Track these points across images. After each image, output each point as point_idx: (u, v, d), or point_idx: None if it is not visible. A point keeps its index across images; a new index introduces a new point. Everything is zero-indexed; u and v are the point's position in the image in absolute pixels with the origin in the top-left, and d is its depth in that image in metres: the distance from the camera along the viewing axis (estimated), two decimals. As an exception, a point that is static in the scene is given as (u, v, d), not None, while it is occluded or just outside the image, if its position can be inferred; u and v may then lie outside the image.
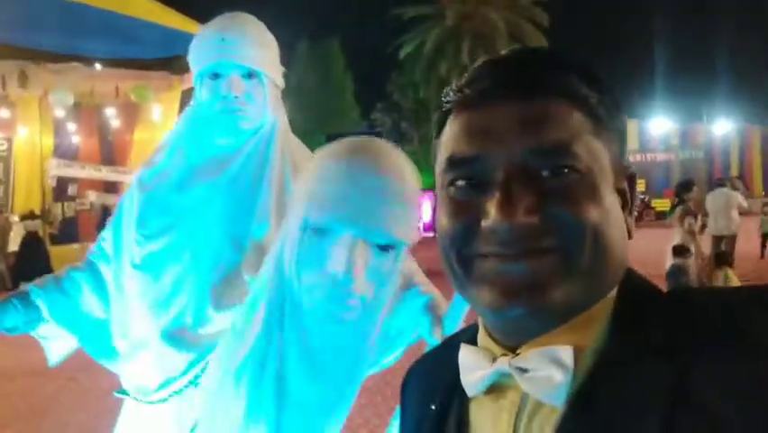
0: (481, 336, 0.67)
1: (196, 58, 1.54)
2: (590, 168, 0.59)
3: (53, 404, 4.96)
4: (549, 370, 0.57)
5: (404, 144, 32.31)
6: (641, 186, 26.01)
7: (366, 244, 1.01)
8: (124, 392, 1.59)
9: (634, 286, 0.62)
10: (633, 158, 26.86)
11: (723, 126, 27.56)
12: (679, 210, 7.62)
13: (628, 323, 0.58)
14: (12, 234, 12.70)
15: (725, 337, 0.53)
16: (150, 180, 1.57)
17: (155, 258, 1.50)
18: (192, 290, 1.47)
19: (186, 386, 1.46)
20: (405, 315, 1.29)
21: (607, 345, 0.58)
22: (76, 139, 15.57)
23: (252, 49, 1.52)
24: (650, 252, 7.49)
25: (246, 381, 1.08)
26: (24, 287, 1.56)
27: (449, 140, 0.64)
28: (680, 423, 0.50)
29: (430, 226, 25.12)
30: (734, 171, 26.35)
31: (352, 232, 1.00)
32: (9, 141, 14.85)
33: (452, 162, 0.63)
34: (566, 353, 0.57)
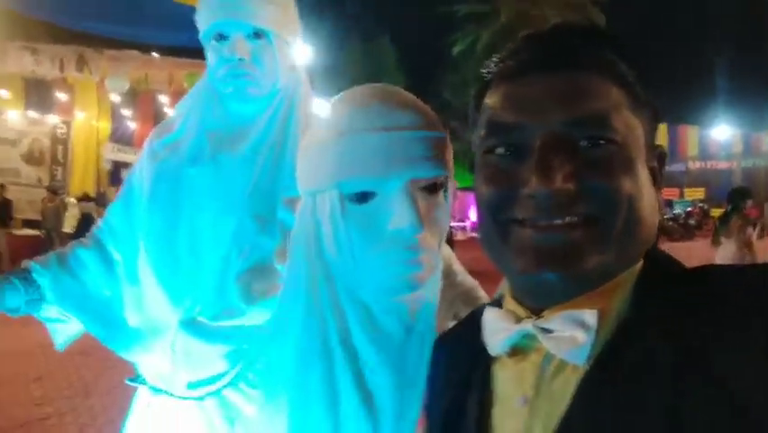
0: (507, 300, 0.70)
1: (200, 18, 1.39)
2: (626, 141, 0.61)
3: (96, 384, 5.02)
4: (573, 331, 0.59)
5: (454, 142, 31.90)
6: (700, 194, 25.19)
7: (416, 188, 0.87)
8: (141, 381, 1.45)
9: (658, 259, 0.65)
10: (693, 165, 25.97)
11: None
12: (736, 219, 7.06)
13: (650, 293, 0.61)
14: (67, 215, 13.06)
15: (740, 310, 0.55)
16: (162, 150, 1.43)
17: (168, 236, 1.35)
18: (213, 276, 1.31)
19: (225, 387, 1.31)
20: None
21: (628, 312, 0.60)
22: (131, 124, 15.95)
23: (258, 5, 1.35)
24: (709, 262, 7.12)
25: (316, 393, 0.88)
26: (26, 264, 1.42)
27: (489, 109, 0.66)
28: (691, 391, 0.52)
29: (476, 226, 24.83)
30: (799, 183, 25.15)
31: (401, 179, 0.85)
32: (67, 124, 15.32)
33: (492, 130, 0.64)
34: (590, 315, 0.59)
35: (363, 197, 0.87)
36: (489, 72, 0.68)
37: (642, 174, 0.62)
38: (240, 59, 1.33)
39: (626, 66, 0.63)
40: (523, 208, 0.61)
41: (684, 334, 0.55)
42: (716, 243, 7.22)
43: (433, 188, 0.89)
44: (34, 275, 1.39)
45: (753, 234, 6.94)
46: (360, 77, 29.04)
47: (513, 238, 0.63)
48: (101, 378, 5.11)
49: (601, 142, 0.60)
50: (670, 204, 24.00)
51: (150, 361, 1.42)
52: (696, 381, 0.53)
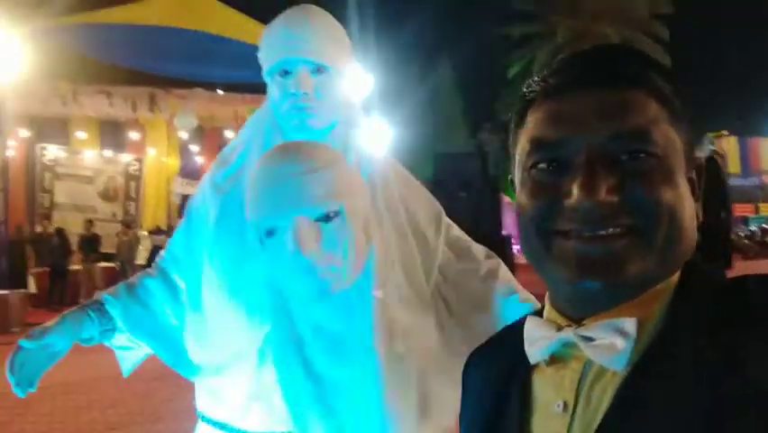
0: (547, 310, 0.72)
1: (264, 55, 1.44)
2: (666, 154, 0.63)
3: (167, 409, 5.19)
4: (613, 338, 0.61)
5: (510, 165, 31.57)
6: (774, 210, 23.82)
7: (308, 221, 1.14)
8: (201, 417, 1.49)
9: (695, 269, 0.66)
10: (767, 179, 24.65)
11: None
12: None
13: (688, 302, 0.62)
14: (140, 247, 13.65)
15: None
16: (225, 182, 1.49)
17: (239, 262, 1.41)
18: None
19: None
20: (510, 318, 1.30)
21: (667, 321, 0.62)
22: (199, 159, 16.57)
23: (320, 42, 1.41)
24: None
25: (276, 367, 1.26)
26: (98, 296, 1.52)
27: (533, 126, 0.68)
28: (728, 396, 0.53)
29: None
30: None
31: (288, 218, 1.13)
32: (140, 161, 16.10)
33: (537, 146, 0.66)
34: (630, 323, 0.61)
35: (270, 232, 1.16)
36: (530, 91, 0.70)
37: (682, 186, 0.64)
38: (304, 93, 1.39)
39: (663, 81, 0.65)
40: (567, 220, 0.63)
41: (722, 342, 0.56)
42: None
43: (326, 218, 1.16)
44: (107, 306, 1.48)
45: None
46: (419, 100, 29.28)
47: (556, 249, 0.65)
48: (171, 403, 5.29)
49: (642, 155, 0.62)
50: (745, 221, 22.82)
51: (221, 388, 1.45)
52: (734, 388, 0.54)
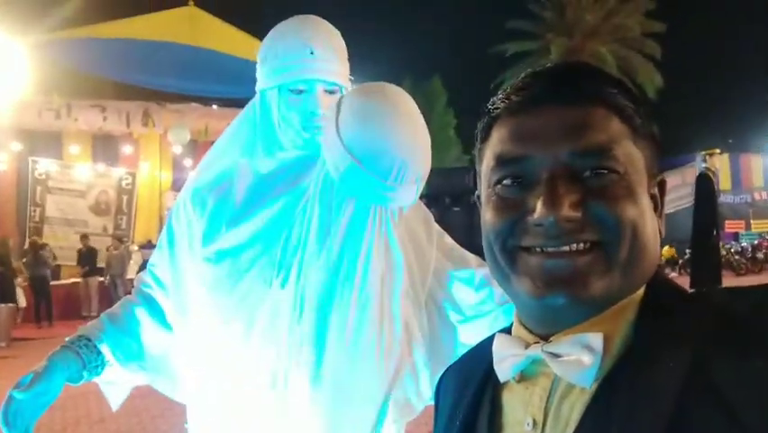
0: (515, 327, 0.72)
1: (278, 68, 1.39)
2: (628, 170, 0.64)
3: (155, 425, 5.13)
4: (580, 354, 0.61)
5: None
6: (767, 226, 24.00)
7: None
8: None
9: (661, 283, 0.67)
10: (758, 196, 24.80)
11: None
12: None
13: (654, 315, 0.63)
14: (132, 262, 13.57)
15: (741, 330, 0.57)
16: (209, 196, 1.43)
17: (233, 277, 1.36)
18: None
19: None
20: (502, 325, 1.30)
21: (634, 334, 0.63)
22: (192, 174, 16.52)
23: (339, 63, 1.42)
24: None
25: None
26: (84, 331, 1.42)
27: (497, 142, 0.69)
28: (694, 407, 0.54)
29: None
30: None
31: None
32: (133, 175, 16.06)
33: (501, 162, 0.67)
34: (596, 338, 0.61)
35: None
36: (495, 108, 0.71)
37: (644, 202, 0.65)
38: (323, 113, 1.38)
39: (625, 98, 0.66)
40: (530, 236, 0.64)
41: (687, 354, 0.57)
42: None
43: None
44: (96, 342, 1.41)
45: None
46: (411, 119, 29.28)
47: (520, 265, 0.66)
48: (160, 420, 5.22)
49: (604, 172, 0.63)
50: (736, 237, 22.92)
51: (220, 420, 1.39)
52: (700, 401, 0.54)
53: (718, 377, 0.55)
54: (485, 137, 0.72)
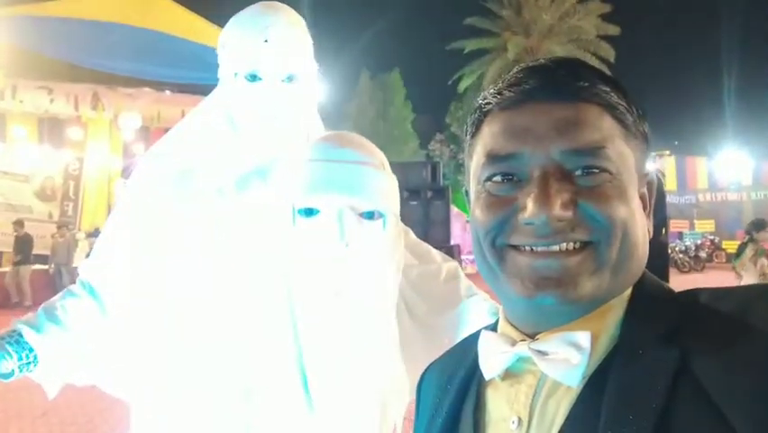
0: (502, 325, 0.71)
1: (232, 55, 1.38)
2: (620, 170, 0.63)
3: (102, 418, 4.98)
4: (567, 352, 0.61)
5: (461, 175, 32.19)
6: (710, 226, 24.98)
7: (354, 211, 1.12)
8: None
9: (648, 282, 0.67)
10: (702, 197, 25.76)
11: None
12: (749, 249, 7.03)
13: (641, 314, 0.63)
14: (78, 250, 13.14)
15: (725, 327, 0.57)
16: (182, 186, 1.38)
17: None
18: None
19: None
20: (473, 318, 1.38)
21: (620, 333, 0.63)
22: (146, 162, 16.09)
23: (297, 53, 1.38)
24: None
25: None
26: (15, 325, 1.35)
27: (488, 138, 0.67)
28: (680, 406, 0.54)
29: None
30: (810, 215, 24.90)
31: (336, 204, 1.11)
32: (80, 160, 15.53)
33: (491, 159, 0.66)
34: (584, 337, 0.61)
35: (309, 212, 1.13)
36: (486, 103, 0.69)
37: (634, 202, 0.64)
38: (279, 106, 1.36)
39: (617, 97, 0.65)
40: (520, 234, 0.63)
41: (673, 353, 0.57)
42: (737, 276, 7.21)
43: (371, 216, 1.14)
44: (26, 338, 1.33)
45: (766, 263, 6.86)
46: (368, 110, 29.38)
47: (509, 263, 0.65)
48: (105, 413, 5.09)
49: (596, 171, 0.62)
50: (680, 236, 23.76)
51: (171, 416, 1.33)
52: (686, 399, 0.54)
53: (705, 376, 0.55)
54: (475, 132, 0.71)
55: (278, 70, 1.36)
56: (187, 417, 1.31)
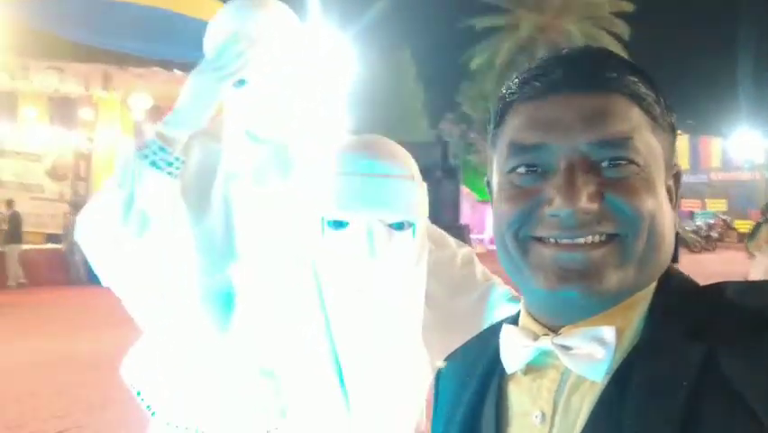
0: (523, 318, 0.71)
1: (214, 60, 1.33)
2: (647, 162, 0.62)
3: (111, 396, 5.04)
4: (591, 347, 0.61)
5: (471, 155, 32.18)
6: (722, 206, 24.77)
7: (384, 223, 1.11)
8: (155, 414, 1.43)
9: (672, 276, 0.66)
10: (715, 176, 25.54)
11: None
12: (765, 230, 6.91)
13: (666, 309, 0.62)
14: (90, 229, 13.22)
15: (752, 322, 0.56)
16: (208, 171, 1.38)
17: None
18: None
19: None
20: (490, 303, 1.38)
21: (645, 328, 0.62)
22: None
23: (279, 48, 1.34)
24: (733, 276, 6.94)
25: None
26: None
27: (513, 128, 0.66)
28: (706, 401, 0.53)
29: (495, 240, 24.59)
30: (826, 195, 24.53)
31: (366, 218, 1.09)
32: (91, 140, 15.58)
33: (516, 149, 0.65)
34: (609, 331, 0.61)
35: (338, 225, 1.12)
36: (510, 93, 0.68)
37: (661, 194, 0.64)
38: (268, 104, 1.35)
39: (645, 88, 0.64)
40: (545, 227, 0.62)
41: (700, 349, 0.56)
42: (750, 256, 7.13)
43: (401, 226, 1.12)
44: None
45: None
46: (380, 89, 29.23)
47: (533, 256, 0.64)
48: (113, 390, 5.14)
49: (623, 162, 0.61)
50: (692, 215, 23.58)
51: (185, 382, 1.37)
52: (713, 395, 0.54)
53: (731, 371, 0.54)
54: (499, 123, 0.70)
55: (262, 69, 1.33)
56: (209, 392, 1.34)
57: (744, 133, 25.98)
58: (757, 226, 7.24)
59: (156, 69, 14.37)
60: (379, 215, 1.11)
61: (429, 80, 31.08)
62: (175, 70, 14.68)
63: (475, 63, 27.33)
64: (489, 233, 24.47)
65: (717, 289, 0.63)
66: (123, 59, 13.89)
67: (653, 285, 0.65)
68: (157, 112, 15.11)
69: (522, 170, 0.65)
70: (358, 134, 1.25)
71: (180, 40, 12.10)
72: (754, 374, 0.53)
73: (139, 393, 1.44)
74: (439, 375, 0.84)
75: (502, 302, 1.41)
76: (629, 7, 26.03)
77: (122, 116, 15.43)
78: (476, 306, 1.39)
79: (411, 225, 1.15)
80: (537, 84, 0.65)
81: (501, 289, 1.43)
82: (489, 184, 0.73)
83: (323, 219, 1.14)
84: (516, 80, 0.68)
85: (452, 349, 1.33)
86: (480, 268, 1.48)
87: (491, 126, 0.72)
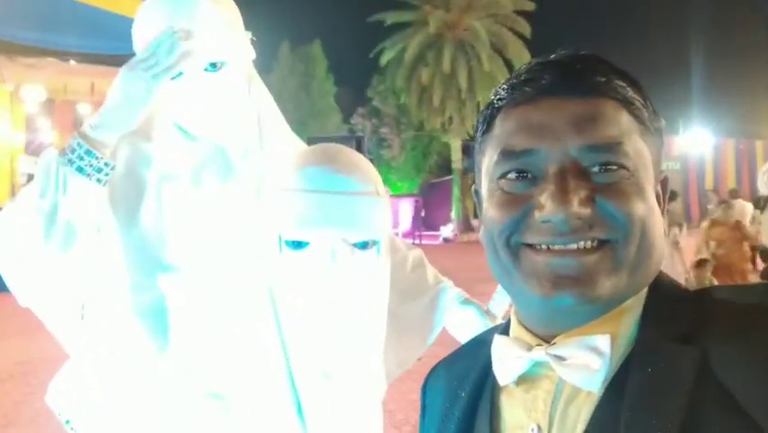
0: (515, 328, 0.70)
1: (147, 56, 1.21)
2: (637, 166, 0.62)
3: (17, 412, 4.71)
4: (587, 357, 0.60)
5: (383, 150, 32.40)
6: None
7: (347, 242, 1.05)
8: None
9: (663, 282, 0.66)
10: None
11: (699, 138, 27.95)
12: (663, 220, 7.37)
13: (658, 314, 0.62)
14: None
15: (743, 325, 0.57)
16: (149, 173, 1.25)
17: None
18: None
19: None
20: (442, 305, 1.38)
21: (639, 335, 0.61)
22: (49, 135, 15.22)
23: (219, 35, 1.24)
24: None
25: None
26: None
27: (502, 134, 0.66)
28: (704, 407, 0.54)
29: (409, 233, 25.07)
30: (708, 184, 26.67)
31: (329, 238, 1.04)
32: (-22, 135, 14.47)
33: (505, 155, 0.64)
34: (603, 340, 0.60)
35: (298, 245, 1.06)
36: (498, 98, 0.68)
37: (652, 199, 0.64)
38: (208, 96, 1.24)
39: (634, 92, 0.65)
40: (537, 233, 0.62)
41: (694, 354, 0.57)
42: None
43: (364, 245, 1.07)
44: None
45: (678, 234, 7.20)
46: (290, 82, 28.86)
47: (525, 263, 0.63)
48: (23, 405, 4.85)
49: (614, 167, 0.61)
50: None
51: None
52: (709, 400, 0.54)
53: (726, 374, 0.54)
54: (487, 129, 0.69)
55: (198, 60, 1.23)
56: (151, 418, 1.23)
57: (696, 131, 27.54)
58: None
59: (49, 59, 13.52)
60: (343, 234, 1.05)
61: (341, 74, 31.07)
62: (71, 61, 13.89)
63: (385, 58, 27.52)
64: (402, 227, 24.80)
65: (707, 293, 0.63)
66: (11, 49, 12.97)
67: (645, 291, 0.65)
68: (51, 104, 14.24)
69: (512, 175, 0.64)
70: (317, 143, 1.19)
71: (79, 30, 11.47)
72: (749, 378, 0.53)
73: (68, 422, 1.31)
74: (426, 386, 0.82)
75: (454, 305, 1.40)
76: (530, 6, 27.02)
77: (12, 110, 14.43)
78: (427, 310, 1.38)
79: (375, 243, 1.10)
80: (527, 89, 0.65)
81: (452, 292, 1.42)
82: (477, 193, 0.72)
83: (280, 237, 1.07)
84: (506, 85, 0.68)
85: (405, 357, 1.33)
86: (431, 270, 1.46)
87: (479, 132, 0.71)
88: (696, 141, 27.44)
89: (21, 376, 1.25)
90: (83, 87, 13.77)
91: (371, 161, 1.22)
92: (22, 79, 13.40)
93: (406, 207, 26.14)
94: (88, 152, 1.15)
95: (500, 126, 0.67)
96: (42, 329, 1.32)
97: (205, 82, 1.23)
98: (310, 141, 1.31)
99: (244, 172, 1.31)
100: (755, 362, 0.54)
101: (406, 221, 25.82)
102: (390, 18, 27.41)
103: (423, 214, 25.58)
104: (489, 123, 0.69)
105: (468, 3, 27.02)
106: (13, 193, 14.64)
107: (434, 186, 30.39)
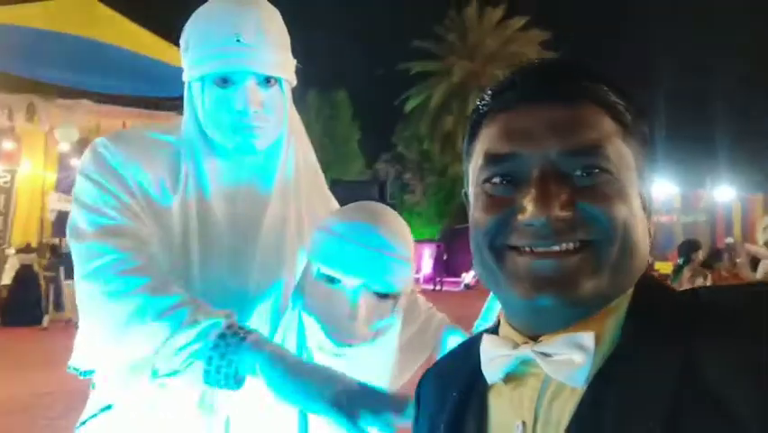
0: (503, 327, 0.71)
1: (199, 55, 1.20)
2: (619, 169, 0.63)
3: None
4: (571, 353, 0.61)
5: (406, 195, 32.61)
6: (643, 248, 25.88)
7: (368, 292, 1.14)
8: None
9: (648, 283, 0.67)
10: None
11: (725, 193, 27.62)
12: (687, 270, 7.32)
13: (643, 314, 0.63)
14: (6, 266, 12.52)
15: (727, 325, 0.58)
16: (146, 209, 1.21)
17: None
18: None
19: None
20: (431, 333, 1.42)
21: (623, 335, 0.62)
22: (79, 174, 15.54)
23: (274, 51, 1.21)
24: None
25: None
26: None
27: (486, 139, 0.68)
28: (687, 405, 0.54)
29: (430, 278, 24.93)
30: (737, 238, 26.16)
31: (357, 281, 1.13)
32: (12, 173, 14.86)
33: (490, 160, 0.66)
34: (587, 337, 0.61)
35: (331, 280, 1.15)
36: (483, 105, 0.70)
37: (635, 202, 0.65)
38: (254, 111, 1.19)
39: (615, 96, 0.66)
40: (520, 236, 0.63)
41: (678, 352, 0.57)
42: None
43: (385, 296, 1.16)
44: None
45: (702, 283, 7.12)
46: (316, 128, 29.32)
47: (509, 265, 0.65)
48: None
49: (595, 171, 0.62)
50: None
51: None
52: (691, 397, 0.55)
53: (711, 374, 0.55)
54: (473, 135, 0.71)
55: (253, 73, 1.19)
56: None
57: (662, 177, 27.44)
58: (678, 268, 7.61)
59: (83, 101, 13.95)
60: (370, 284, 1.13)
61: (365, 121, 31.52)
62: (105, 103, 14.30)
63: (410, 106, 27.95)
64: (423, 272, 24.65)
65: (692, 294, 0.64)
66: (48, 90, 13.44)
67: (630, 292, 0.65)
68: (85, 144, 14.61)
69: (496, 180, 0.66)
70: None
71: (113, 72, 11.85)
72: (733, 377, 0.54)
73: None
74: (419, 389, 0.84)
75: (443, 329, 1.45)
76: (554, 56, 27.43)
77: (46, 149, 14.85)
78: (420, 336, 1.41)
79: (397, 296, 1.18)
80: (509, 95, 0.67)
81: (440, 316, 1.47)
82: (466, 195, 0.74)
83: (318, 268, 1.16)
84: (490, 92, 0.70)
85: (398, 384, 1.35)
86: (421, 297, 1.50)
87: (466, 139, 0.73)
88: (722, 194, 27.09)
89: (38, 408, 1.24)
90: (116, 127, 14.06)
91: (393, 205, 1.27)
92: (57, 120, 13.82)
93: (428, 253, 26.02)
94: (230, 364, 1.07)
95: (485, 132, 0.69)
96: (59, 363, 1.33)
97: (254, 97, 1.20)
98: (333, 183, 1.33)
99: (283, 186, 1.32)
100: (740, 361, 0.54)
101: (427, 266, 25.66)
102: (416, 67, 27.93)
103: (445, 257, 25.42)
104: (474, 129, 0.71)
105: (492, 54, 27.45)
106: (42, 227, 14.93)
107: (456, 232, 30.30)
